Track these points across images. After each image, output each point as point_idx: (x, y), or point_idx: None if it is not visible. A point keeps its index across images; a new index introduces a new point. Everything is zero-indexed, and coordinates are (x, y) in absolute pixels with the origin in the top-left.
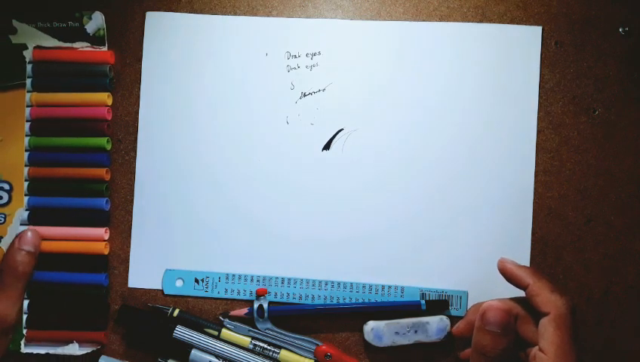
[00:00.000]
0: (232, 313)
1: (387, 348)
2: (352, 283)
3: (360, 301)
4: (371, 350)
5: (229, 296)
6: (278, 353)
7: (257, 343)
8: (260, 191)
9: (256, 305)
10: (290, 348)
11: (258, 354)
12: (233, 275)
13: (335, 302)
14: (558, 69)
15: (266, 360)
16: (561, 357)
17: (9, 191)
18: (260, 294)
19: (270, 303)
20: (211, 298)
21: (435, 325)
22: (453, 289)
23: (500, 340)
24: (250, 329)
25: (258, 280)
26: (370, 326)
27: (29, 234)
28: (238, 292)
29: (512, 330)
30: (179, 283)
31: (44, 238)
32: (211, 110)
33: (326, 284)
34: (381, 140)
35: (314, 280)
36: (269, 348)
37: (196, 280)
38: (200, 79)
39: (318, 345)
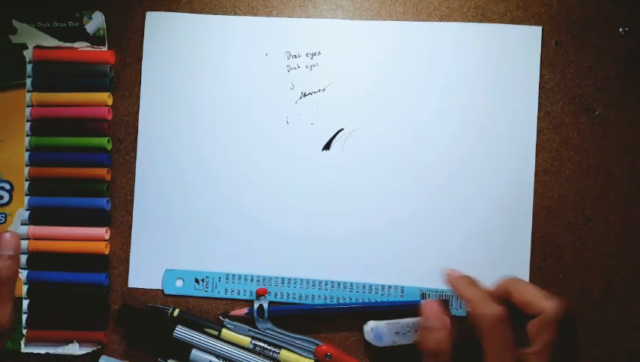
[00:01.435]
0: (232, 313)
1: (387, 348)
2: (352, 283)
3: (360, 301)
4: (371, 350)
5: (229, 296)
6: (278, 353)
7: (257, 343)
8: (260, 191)
9: (256, 305)
10: (290, 348)
11: (258, 354)
12: (233, 275)
13: (335, 302)
14: (558, 68)
15: (266, 360)
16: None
17: (10, 191)
18: (259, 294)
19: (270, 303)
20: (211, 298)
21: None
22: None
23: (436, 332)
24: (250, 329)
25: (258, 280)
26: (370, 326)
27: (7, 236)
28: (238, 293)
29: (443, 320)
30: (179, 283)
31: (45, 238)
32: (211, 110)
33: (326, 284)
34: (381, 140)
35: (314, 280)
36: (269, 347)
37: (196, 280)
38: (200, 79)
39: (318, 344)
